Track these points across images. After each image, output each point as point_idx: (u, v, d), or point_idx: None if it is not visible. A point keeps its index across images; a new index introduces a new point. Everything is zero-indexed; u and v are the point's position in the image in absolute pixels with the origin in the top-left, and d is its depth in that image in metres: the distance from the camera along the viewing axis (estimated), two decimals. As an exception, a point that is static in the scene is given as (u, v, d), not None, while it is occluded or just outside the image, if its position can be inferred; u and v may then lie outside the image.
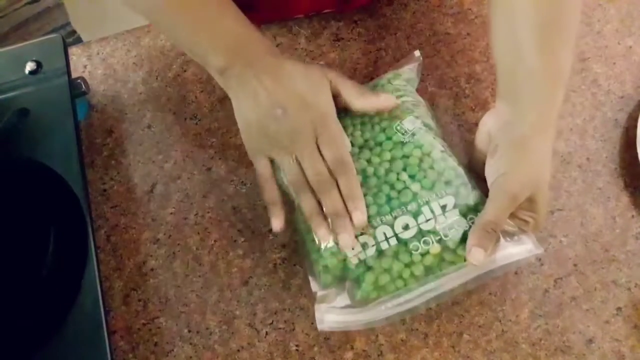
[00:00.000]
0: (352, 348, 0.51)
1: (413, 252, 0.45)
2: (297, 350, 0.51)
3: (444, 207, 0.46)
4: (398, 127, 0.49)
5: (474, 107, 0.60)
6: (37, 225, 0.52)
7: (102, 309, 0.49)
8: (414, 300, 0.44)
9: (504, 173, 0.45)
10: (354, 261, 0.46)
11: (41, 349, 0.48)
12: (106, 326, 0.48)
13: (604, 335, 0.51)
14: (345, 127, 0.49)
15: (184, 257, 0.55)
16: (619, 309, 0.52)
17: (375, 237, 0.46)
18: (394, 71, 0.54)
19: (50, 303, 0.50)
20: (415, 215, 0.46)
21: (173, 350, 0.52)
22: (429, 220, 0.45)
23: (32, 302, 0.50)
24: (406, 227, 0.46)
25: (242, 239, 0.55)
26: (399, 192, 0.47)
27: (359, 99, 0.49)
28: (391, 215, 0.46)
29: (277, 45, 0.64)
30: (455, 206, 0.46)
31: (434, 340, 0.51)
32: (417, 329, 0.51)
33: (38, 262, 0.50)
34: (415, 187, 0.47)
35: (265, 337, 0.52)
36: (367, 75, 0.62)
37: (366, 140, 0.49)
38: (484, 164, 0.48)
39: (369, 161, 0.48)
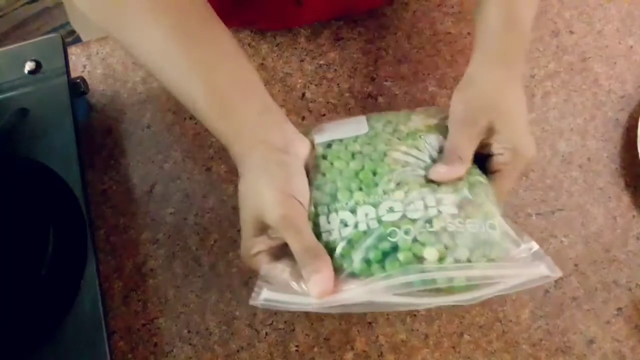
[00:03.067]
0: (352, 348, 0.51)
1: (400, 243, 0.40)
2: (297, 350, 0.51)
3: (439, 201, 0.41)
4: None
5: (474, 107, 0.60)
6: (37, 225, 0.52)
7: (101, 310, 0.49)
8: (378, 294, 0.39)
9: (454, 106, 0.45)
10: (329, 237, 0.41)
11: (40, 349, 0.48)
12: (105, 326, 0.48)
13: (605, 335, 0.51)
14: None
15: (184, 258, 0.55)
16: (619, 309, 0.52)
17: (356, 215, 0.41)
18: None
19: (50, 303, 0.50)
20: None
21: (172, 350, 0.52)
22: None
23: (31, 302, 0.50)
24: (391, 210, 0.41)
25: (242, 239, 0.55)
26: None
27: (301, 270, 0.41)
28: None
29: (276, 45, 0.63)
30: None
31: (435, 340, 0.51)
32: (417, 330, 0.51)
33: (37, 262, 0.50)
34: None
35: (265, 337, 0.52)
36: (367, 74, 0.62)
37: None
38: None
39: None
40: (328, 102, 0.61)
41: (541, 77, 0.61)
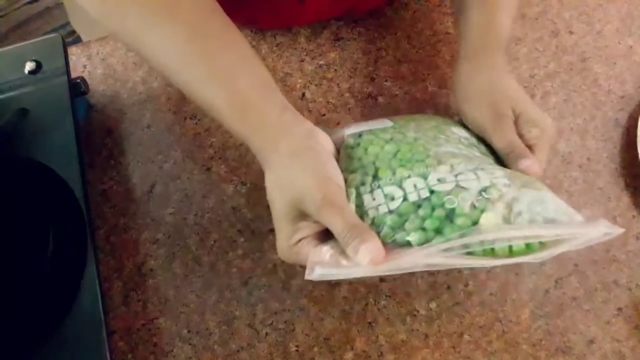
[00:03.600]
0: (352, 348, 0.51)
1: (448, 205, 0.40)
2: (297, 350, 0.51)
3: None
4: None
5: (474, 107, 0.60)
6: (37, 225, 0.52)
7: (101, 310, 0.49)
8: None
9: (471, 107, 0.49)
10: (376, 212, 0.41)
11: (40, 349, 0.48)
12: (105, 326, 0.48)
13: (605, 335, 0.51)
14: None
15: (184, 258, 0.55)
16: (619, 309, 0.52)
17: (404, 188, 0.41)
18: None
19: (50, 303, 0.50)
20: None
21: (172, 350, 0.52)
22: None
23: (31, 302, 0.50)
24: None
25: (242, 239, 0.55)
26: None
27: (345, 248, 0.40)
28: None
29: (276, 45, 0.63)
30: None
31: (435, 340, 0.51)
32: (417, 330, 0.51)
33: (37, 262, 0.50)
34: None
35: (265, 337, 0.52)
36: (367, 74, 0.62)
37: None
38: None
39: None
40: (328, 102, 0.61)
41: (541, 77, 0.61)
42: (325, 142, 0.45)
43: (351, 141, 0.46)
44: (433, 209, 0.40)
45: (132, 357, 0.52)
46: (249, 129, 0.44)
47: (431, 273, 0.53)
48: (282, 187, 0.42)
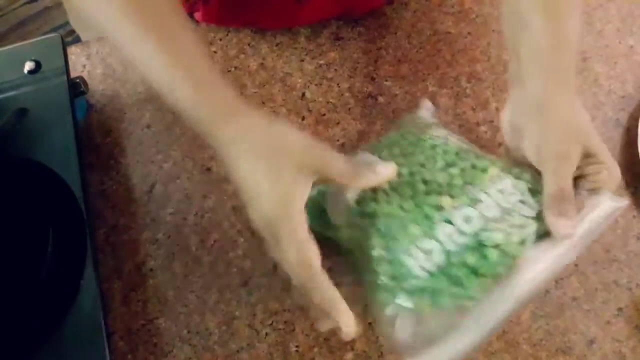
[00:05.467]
0: (352, 349, 0.51)
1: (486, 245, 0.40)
2: (297, 351, 0.51)
3: (501, 191, 0.42)
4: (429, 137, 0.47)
5: (474, 107, 0.60)
6: (36, 225, 0.52)
7: (101, 310, 0.49)
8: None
9: (539, 143, 0.43)
10: (419, 272, 0.40)
11: (40, 350, 0.48)
12: (105, 327, 0.48)
13: (605, 336, 0.51)
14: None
15: (184, 258, 0.55)
16: (620, 309, 0.52)
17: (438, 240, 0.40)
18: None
19: (49, 304, 0.49)
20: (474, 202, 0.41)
21: (172, 351, 0.52)
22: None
23: (31, 302, 0.50)
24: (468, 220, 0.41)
25: (242, 240, 0.55)
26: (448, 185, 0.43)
27: (354, 181, 0.42)
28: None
29: (276, 45, 0.63)
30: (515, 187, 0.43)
31: (435, 341, 0.51)
32: (417, 330, 0.51)
33: (37, 262, 0.50)
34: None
35: (265, 337, 0.52)
36: (367, 74, 0.62)
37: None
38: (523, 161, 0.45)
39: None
40: (328, 102, 0.61)
41: (541, 77, 0.61)
42: None
43: (357, 210, 0.44)
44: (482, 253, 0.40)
45: (132, 358, 0.52)
46: (208, 107, 0.41)
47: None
48: (272, 145, 0.39)
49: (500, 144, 0.58)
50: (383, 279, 0.41)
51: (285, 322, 0.52)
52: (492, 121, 0.59)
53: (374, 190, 0.43)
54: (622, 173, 0.56)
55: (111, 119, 0.61)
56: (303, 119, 0.60)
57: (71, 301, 0.49)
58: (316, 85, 0.61)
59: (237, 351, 0.51)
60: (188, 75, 0.42)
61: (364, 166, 0.41)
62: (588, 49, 0.62)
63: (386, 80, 0.61)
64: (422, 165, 0.44)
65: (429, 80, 0.61)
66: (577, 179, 0.42)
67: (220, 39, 0.64)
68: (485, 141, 0.58)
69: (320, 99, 0.61)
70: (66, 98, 0.56)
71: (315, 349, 0.51)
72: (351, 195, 0.44)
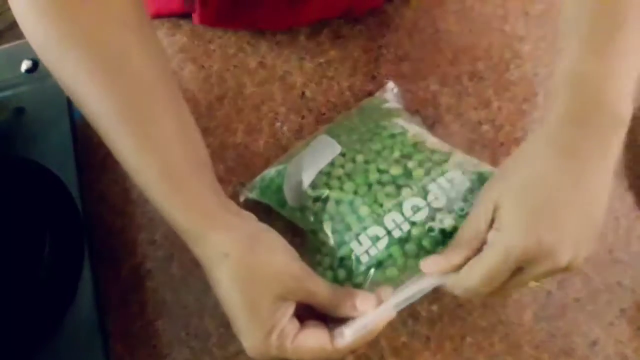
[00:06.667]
0: (352, 351, 0.50)
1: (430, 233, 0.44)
2: (297, 353, 0.51)
3: (451, 181, 0.45)
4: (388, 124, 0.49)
5: (476, 106, 0.59)
6: (33, 226, 0.51)
7: (98, 312, 0.48)
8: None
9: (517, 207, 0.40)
10: (364, 259, 0.44)
11: (37, 353, 0.47)
12: (103, 329, 0.48)
13: (608, 337, 0.51)
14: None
15: (182, 259, 0.54)
16: (623, 310, 0.52)
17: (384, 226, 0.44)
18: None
19: (46, 306, 0.49)
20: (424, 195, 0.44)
21: (171, 353, 0.51)
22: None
23: (28, 304, 0.49)
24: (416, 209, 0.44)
25: (241, 240, 0.55)
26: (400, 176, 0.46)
27: (335, 312, 0.42)
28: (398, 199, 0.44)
29: (276, 44, 0.63)
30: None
31: (436, 343, 0.50)
32: (419, 332, 0.51)
33: (34, 263, 0.49)
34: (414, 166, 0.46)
35: (264, 339, 0.51)
36: (368, 73, 0.61)
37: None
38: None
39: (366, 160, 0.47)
40: (328, 101, 0.60)
41: (544, 76, 0.61)
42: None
43: (310, 194, 0.47)
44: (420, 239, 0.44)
45: (130, 360, 0.51)
46: (180, 203, 0.40)
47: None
48: (252, 273, 0.39)
49: (502, 143, 0.57)
50: (328, 261, 0.45)
51: (285, 323, 0.52)
52: (494, 120, 0.58)
53: (328, 174, 0.46)
54: (625, 173, 0.56)
55: (109, 118, 0.60)
56: (303, 117, 0.59)
57: (68, 303, 0.49)
58: (316, 84, 0.61)
59: (236, 354, 0.51)
60: (163, 177, 0.41)
61: (346, 297, 0.41)
62: (591, 48, 0.62)
63: (387, 79, 0.61)
64: (378, 154, 0.47)
65: (430, 79, 0.60)
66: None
67: (219, 37, 0.63)
68: (487, 140, 0.58)
69: (320, 98, 0.60)
70: (63, 97, 0.55)
71: (315, 351, 0.51)
72: (306, 180, 0.47)
